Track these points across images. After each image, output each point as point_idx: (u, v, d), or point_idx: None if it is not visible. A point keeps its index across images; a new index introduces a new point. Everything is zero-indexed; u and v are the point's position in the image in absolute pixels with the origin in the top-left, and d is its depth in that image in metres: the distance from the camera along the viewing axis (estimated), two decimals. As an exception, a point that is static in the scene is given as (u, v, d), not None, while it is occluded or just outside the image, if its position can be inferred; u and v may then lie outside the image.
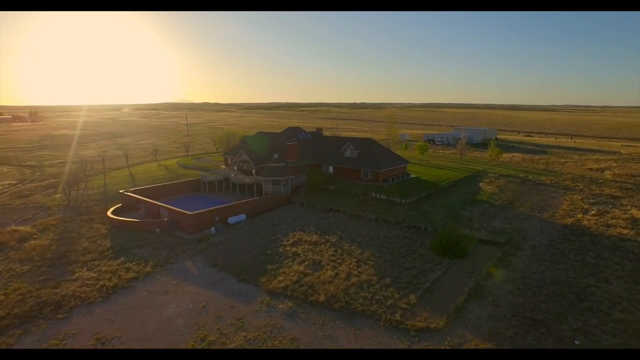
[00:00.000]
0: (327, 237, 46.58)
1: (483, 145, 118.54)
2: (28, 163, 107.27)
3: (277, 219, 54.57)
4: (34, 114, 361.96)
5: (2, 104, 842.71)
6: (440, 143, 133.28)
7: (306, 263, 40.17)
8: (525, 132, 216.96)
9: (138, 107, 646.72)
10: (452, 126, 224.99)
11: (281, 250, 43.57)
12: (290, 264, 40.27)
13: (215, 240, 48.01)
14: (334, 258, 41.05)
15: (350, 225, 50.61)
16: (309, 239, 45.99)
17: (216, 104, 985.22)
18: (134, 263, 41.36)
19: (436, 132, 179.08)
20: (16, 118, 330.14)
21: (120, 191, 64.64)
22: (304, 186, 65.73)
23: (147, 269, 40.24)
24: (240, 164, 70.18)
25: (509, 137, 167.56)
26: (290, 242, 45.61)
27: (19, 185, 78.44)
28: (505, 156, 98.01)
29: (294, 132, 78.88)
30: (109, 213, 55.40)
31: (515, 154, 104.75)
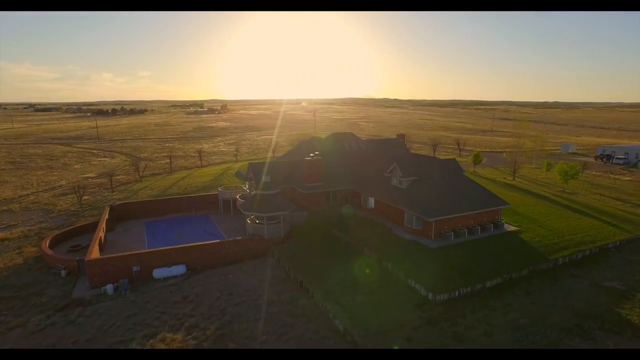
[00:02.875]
0: None
1: None
2: (142, 155, 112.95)
3: (217, 283, 33.84)
4: (224, 107, 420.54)
5: (207, 98, 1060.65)
6: (621, 161, 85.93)
7: None
8: None
9: (314, 102, 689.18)
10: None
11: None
12: None
13: (96, 309, 30.78)
14: None
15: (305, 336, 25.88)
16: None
17: (395, 99, 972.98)
18: None
19: (628, 143, 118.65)
20: (209, 110, 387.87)
21: (110, 203, 54.20)
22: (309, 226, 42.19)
23: None
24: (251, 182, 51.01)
25: None
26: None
27: (90, 179, 78.40)
28: None
29: (339, 139, 54.48)
30: (45, 243, 42.44)
31: None
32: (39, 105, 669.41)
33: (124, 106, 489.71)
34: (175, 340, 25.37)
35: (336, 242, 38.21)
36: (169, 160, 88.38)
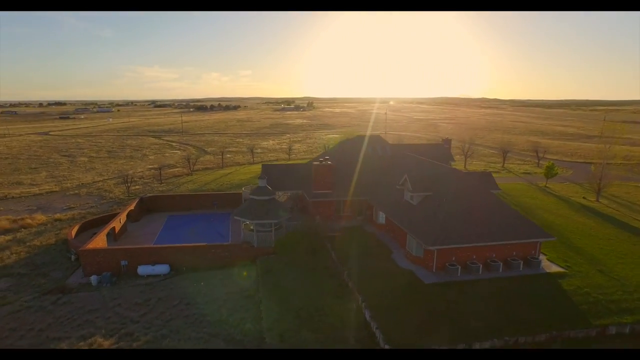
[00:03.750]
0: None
1: None
2: (210, 149, 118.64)
3: (185, 289, 32.29)
4: (310, 104, 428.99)
5: (301, 96, 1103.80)
6: None
7: None
8: None
9: (403, 101, 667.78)
10: None
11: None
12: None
13: (70, 298, 31.32)
14: None
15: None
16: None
17: (494, 100, 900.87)
18: None
19: None
20: (296, 107, 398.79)
21: (141, 195, 56.49)
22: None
23: None
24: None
25: None
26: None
27: (152, 170, 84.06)
28: None
29: (357, 143, 49.14)
30: (73, 227, 44.95)
31: None
32: (158, 102, 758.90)
33: (221, 103, 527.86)
34: (101, 346, 24.15)
35: (318, 261, 33.92)
36: (221, 156, 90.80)
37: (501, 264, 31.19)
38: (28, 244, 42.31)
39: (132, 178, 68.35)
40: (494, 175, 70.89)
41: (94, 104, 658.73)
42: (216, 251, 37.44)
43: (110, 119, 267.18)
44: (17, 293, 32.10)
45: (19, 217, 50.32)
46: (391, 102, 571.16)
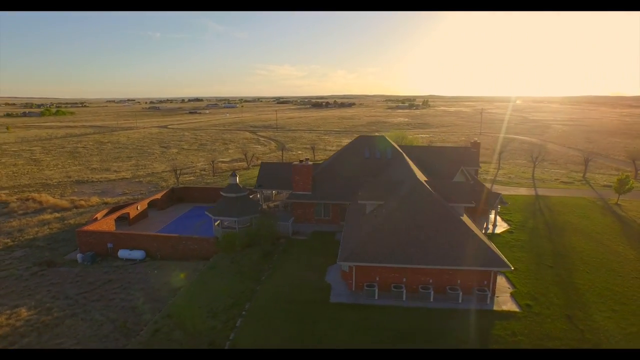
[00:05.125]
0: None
1: None
2: (289, 145, 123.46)
3: (138, 275, 34.79)
4: (425, 102, 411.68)
5: (423, 94, 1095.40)
6: None
7: None
8: None
9: (532, 100, 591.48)
10: None
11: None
12: None
13: (52, 272, 36.52)
14: None
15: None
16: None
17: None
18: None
19: None
20: (410, 105, 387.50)
21: (172, 186, 62.00)
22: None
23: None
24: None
25: None
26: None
27: (220, 163, 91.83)
28: None
29: (361, 144, 45.45)
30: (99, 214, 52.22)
31: None
32: (282, 98, 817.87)
33: (339, 100, 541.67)
34: (19, 317, 27.69)
35: (261, 264, 32.79)
36: (281, 152, 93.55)
37: (432, 292, 26.00)
38: (66, 221, 50.28)
39: (188, 170, 75.50)
40: (555, 186, 58.83)
41: (225, 100, 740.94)
42: (186, 243, 39.22)
43: (228, 114, 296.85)
44: (21, 262, 38.48)
45: (79, 198, 60.19)
46: (518, 101, 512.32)
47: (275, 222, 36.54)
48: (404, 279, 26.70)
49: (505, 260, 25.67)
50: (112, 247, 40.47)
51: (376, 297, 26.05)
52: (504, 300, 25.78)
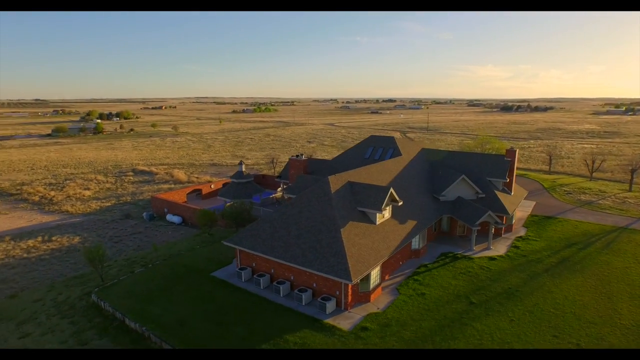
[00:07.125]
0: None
1: None
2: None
3: (161, 234, 46.23)
4: None
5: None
6: None
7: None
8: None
9: None
10: None
11: None
12: None
13: (121, 222, 52.07)
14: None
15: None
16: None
17: None
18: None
19: None
20: (628, 110, 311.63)
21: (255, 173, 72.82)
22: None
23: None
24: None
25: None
26: None
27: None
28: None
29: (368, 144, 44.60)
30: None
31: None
32: (475, 101, 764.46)
33: (540, 103, 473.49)
34: (53, 240, 42.40)
35: (203, 237, 39.09)
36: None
37: (282, 287, 26.99)
38: (172, 190, 66.98)
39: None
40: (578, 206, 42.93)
41: (417, 101, 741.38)
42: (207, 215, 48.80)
43: (402, 115, 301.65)
44: (116, 213, 55.57)
45: (197, 176, 77.98)
46: None
47: (252, 207, 41.97)
48: (272, 270, 28.78)
49: (350, 274, 24.66)
50: (167, 212, 53.55)
51: (243, 280, 29.13)
52: (352, 316, 24.95)
